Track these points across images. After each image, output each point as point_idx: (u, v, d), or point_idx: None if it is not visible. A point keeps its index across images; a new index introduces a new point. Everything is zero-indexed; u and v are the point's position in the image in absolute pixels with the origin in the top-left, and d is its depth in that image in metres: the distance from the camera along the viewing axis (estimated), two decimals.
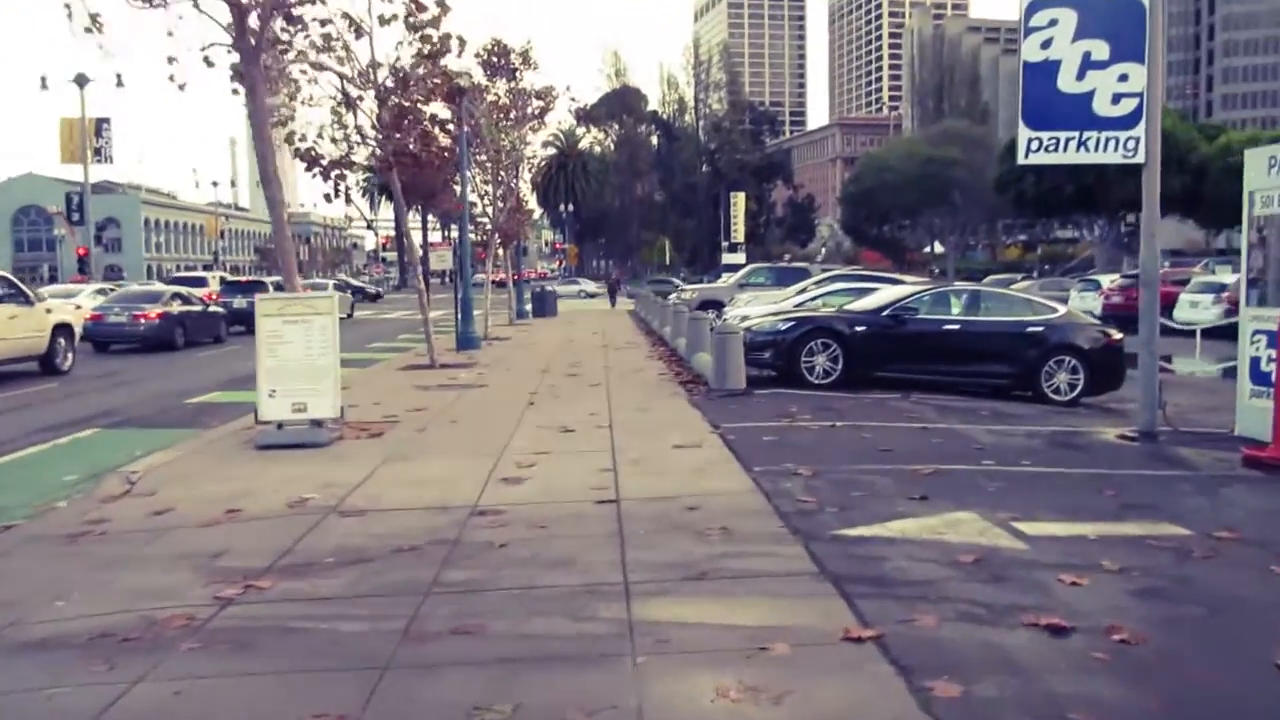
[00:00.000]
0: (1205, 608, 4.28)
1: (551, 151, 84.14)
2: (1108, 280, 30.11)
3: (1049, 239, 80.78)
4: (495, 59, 25.52)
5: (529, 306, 35.30)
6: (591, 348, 19.60)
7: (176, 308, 22.38)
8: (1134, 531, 5.52)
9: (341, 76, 10.32)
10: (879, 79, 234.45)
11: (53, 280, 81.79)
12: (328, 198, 11.80)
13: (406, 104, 11.21)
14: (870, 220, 68.49)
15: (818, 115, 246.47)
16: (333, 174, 11.04)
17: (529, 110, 26.22)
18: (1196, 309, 22.28)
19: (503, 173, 25.53)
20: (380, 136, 11.56)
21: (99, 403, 13.23)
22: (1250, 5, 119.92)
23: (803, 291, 19.12)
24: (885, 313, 12.38)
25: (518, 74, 25.87)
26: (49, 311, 16.55)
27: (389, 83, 11.19)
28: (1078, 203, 46.54)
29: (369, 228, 20.21)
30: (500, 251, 31.65)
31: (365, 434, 9.33)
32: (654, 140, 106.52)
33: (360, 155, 11.70)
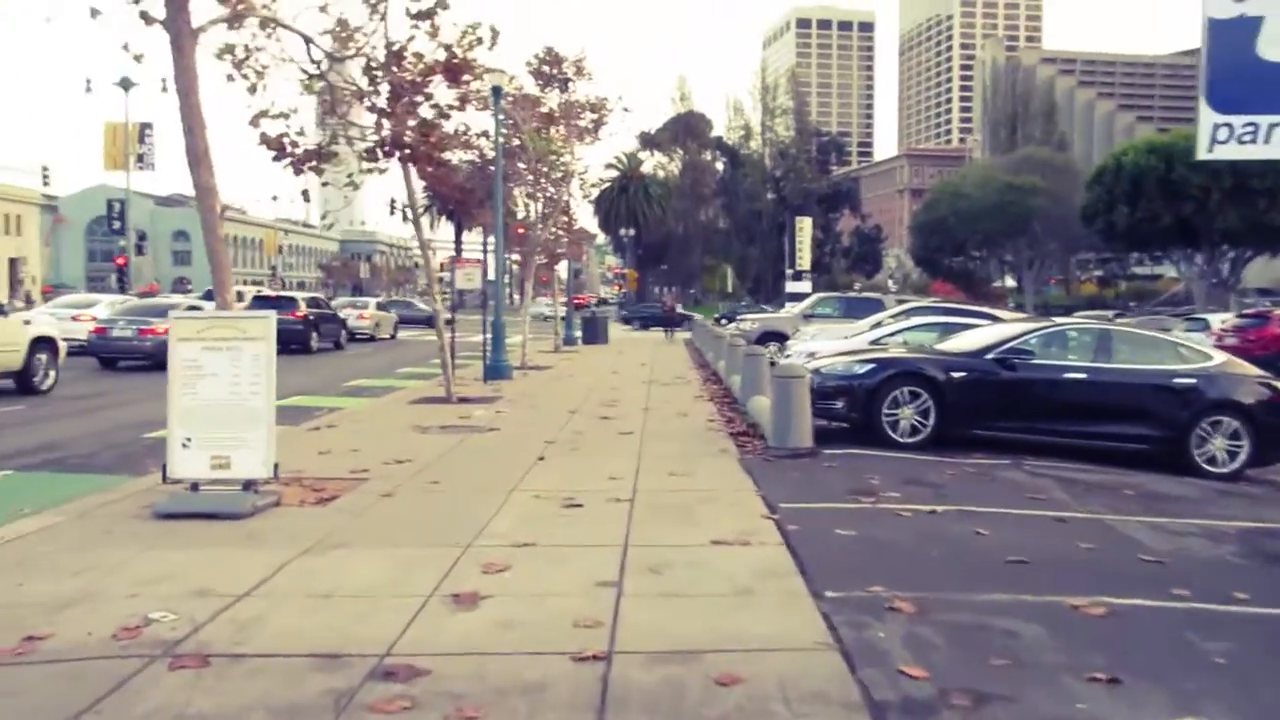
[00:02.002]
0: None
1: (613, 174, 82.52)
2: (1218, 320, 26.98)
3: (1126, 274, 76.55)
4: (547, 68, 23.62)
5: (579, 333, 33.24)
6: (635, 383, 17.32)
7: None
8: None
9: (306, 40, 8.22)
10: (948, 110, 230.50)
11: (121, 290, 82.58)
12: (305, 196, 9.71)
13: (397, 82, 9.11)
14: (942, 250, 65.27)
15: (885, 146, 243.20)
16: (306, 167, 8.94)
17: (581, 123, 24.22)
18: None
19: (549, 186, 23.48)
20: (376, 118, 9.47)
21: (49, 433, 11.30)
22: None
23: (877, 326, 16.64)
24: (990, 355, 9.90)
25: (570, 84, 23.96)
26: (26, 324, 14.81)
27: (376, 52, 9.11)
28: (1175, 235, 43.05)
29: (424, 247, 18.93)
30: (543, 272, 29.66)
31: (313, 498, 7.15)
32: (718, 166, 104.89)
33: (352, 143, 9.59)
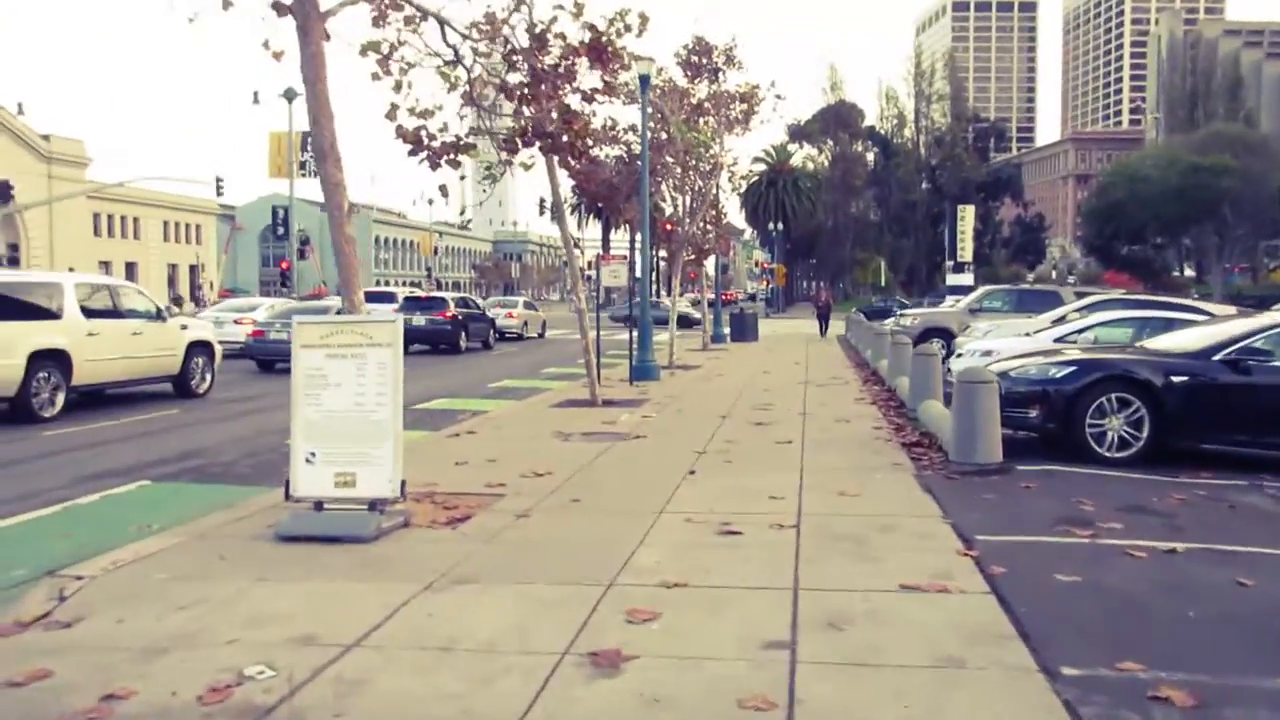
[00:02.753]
0: None
1: (761, 168, 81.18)
2: None
3: None
4: (696, 58, 22.81)
5: (727, 330, 32.32)
6: (789, 384, 16.28)
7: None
8: None
9: (442, 23, 7.62)
10: (1118, 91, 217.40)
11: (285, 293, 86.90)
12: (443, 191, 9.17)
13: (539, 66, 8.42)
14: (1117, 238, 60.75)
15: (1047, 131, 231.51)
16: (444, 160, 8.37)
17: (731, 114, 23.29)
18: None
19: (698, 179, 22.66)
20: (515, 105, 8.83)
21: (195, 439, 11.22)
22: None
23: (1060, 321, 15.04)
24: (1217, 356, 8.43)
25: (721, 74, 23.08)
26: (184, 328, 15.02)
27: (518, 37, 8.45)
28: None
29: (568, 244, 18.59)
30: (691, 268, 28.88)
31: (443, 518, 6.53)
32: (869, 157, 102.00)
33: (493, 136, 8.98)
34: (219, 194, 49.20)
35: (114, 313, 13.64)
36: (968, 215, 39.82)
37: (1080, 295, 20.82)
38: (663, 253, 25.53)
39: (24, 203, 52.03)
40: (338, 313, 19.71)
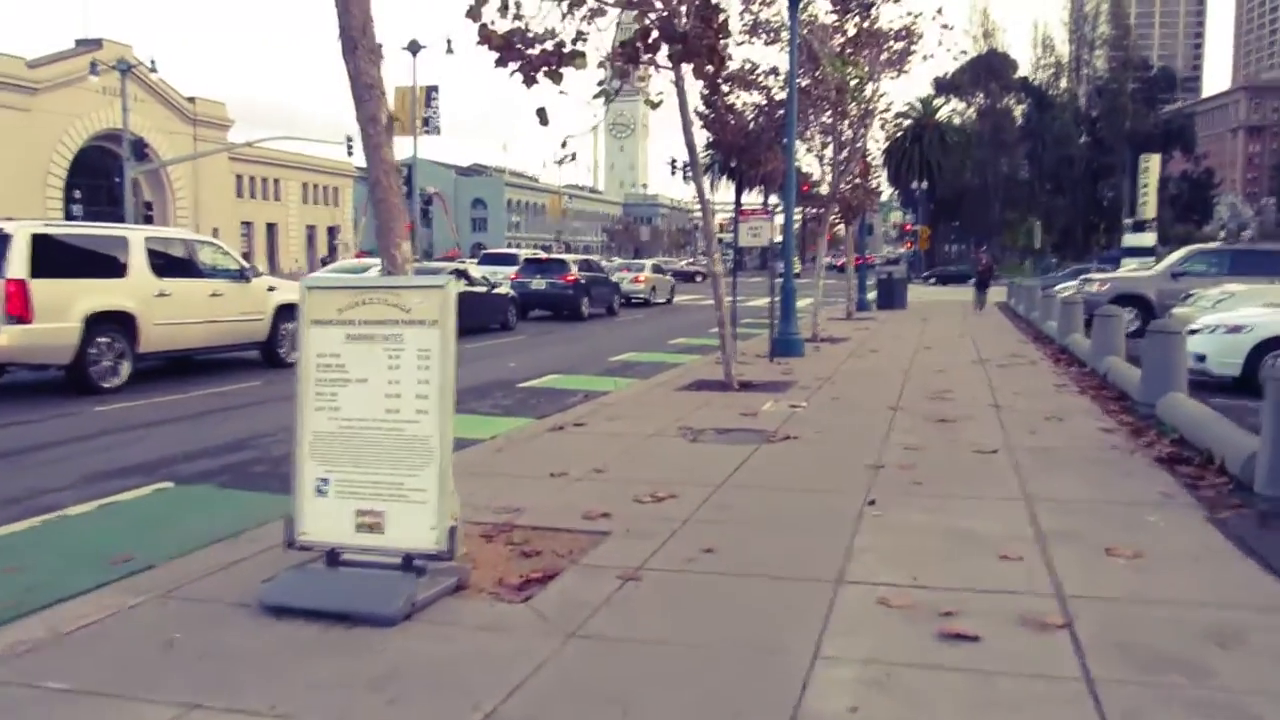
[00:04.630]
0: None
1: (906, 123, 76.55)
2: None
3: None
4: None
5: (872, 296, 29.50)
6: (962, 363, 13.66)
7: (455, 289, 19.11)
8: None
9: None
10: None
11: (428, 256, 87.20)
12: (541, 118, 7.01)
13: None
14: None
15: (1215, 81, 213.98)
16: (542, 73, 6.24)
17: (885, 55, 20.36)
18: None
19: (847, 128, 19.96)
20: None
21: (257, 423, 9.55)
22: None
23: None
24: None
25: (874, 8, 20.13)
26: (271, 290, 13.50)
27: None
28: None
29: (701, 195, 16.70)
30: (841, 229, 26.18)
31: (517, 575, 4.47)
32: (1020, 110, 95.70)
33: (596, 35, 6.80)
34: (349, 153, 48.56)
35: (190, 271, 12.17)
36: (1152, 166, 35.12)
37: None
38: (809, 211, 22.88)
39: (167, 160, 53.03)
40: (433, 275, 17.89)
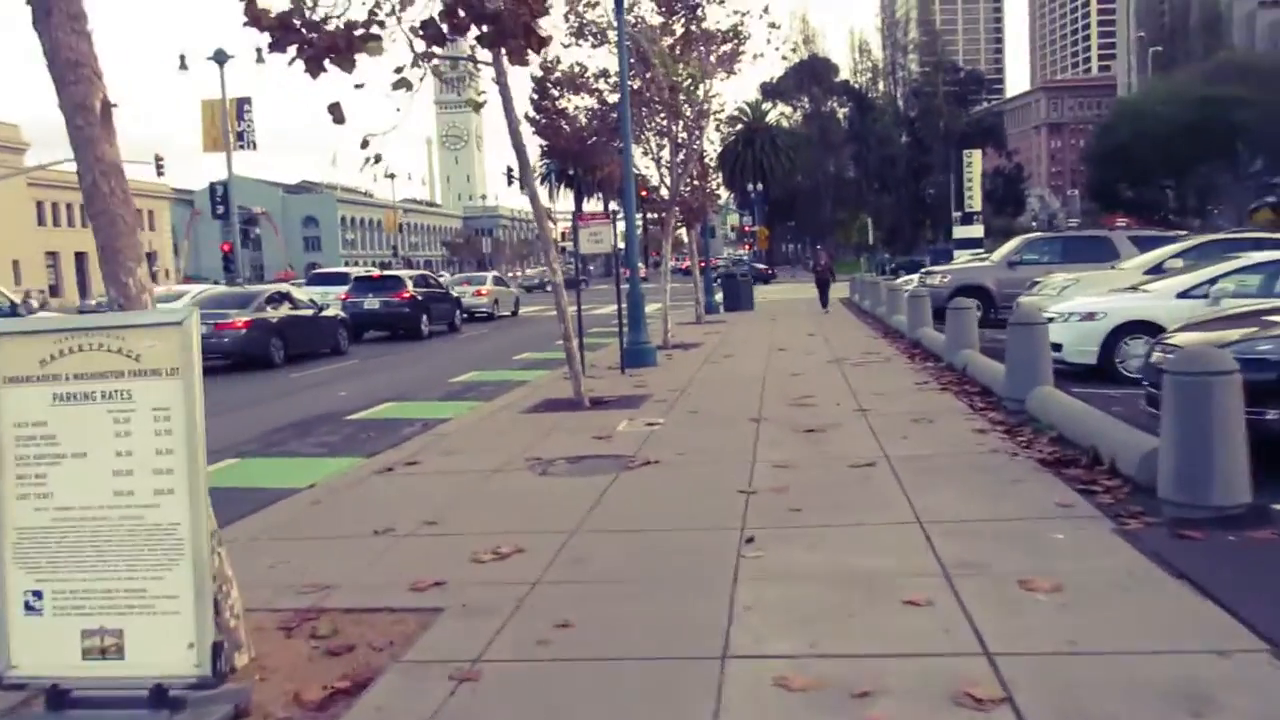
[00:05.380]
0: None
1: (738, 126, 77.92)
2: None
3: None
4: None
5: (719, 298, 29.26)
6: (817, 364, 13.24)
7: (275, 313, 17.57)
8: None
9: None
10: (1085, 37, 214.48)
11: (260, 279, 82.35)
12: (335, 115, 5.89)
13: None
14: (1123, 181, 57.60)
15: (1016, 82, 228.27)
16: (330, 60, 5.19)
17: (714, 55, 19.92)
18: None
19: (683, 129, 19.44)
20: None
21: None
22: None
23: (1157, 271, 12.07)
24: None
25: (700, 10, 19.65)
26: None
27: None
28: None
29: (534, 200, 15.81)
30: (683, 234, 25.79)
31: (320, 687, 3.46)
32: (843, 113, 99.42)
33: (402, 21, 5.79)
34: (159, 174, 45.29)
35: None
36: (975, 160, 36.38)
37: (1137, 240, 17.88)
38: (650, 216, 22.28)
39: None
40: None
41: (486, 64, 9.63)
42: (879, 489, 5.95)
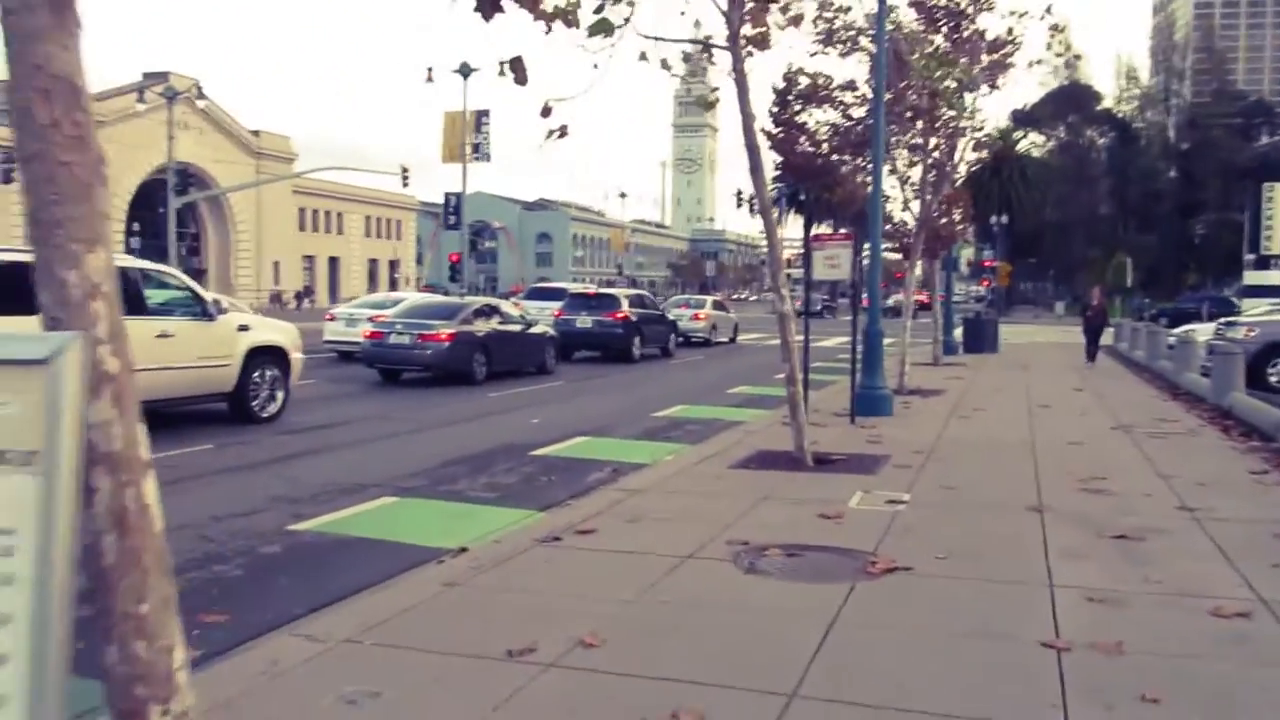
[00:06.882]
0: None
1: (984, 154, 73.06)
2: None
3: None
4: None
5: (958, 336, 26.44)
6: (1098, 430, 10.73)
7: (482, 327, 16.72)
8: None
9: None
10: None
11: (493, 290, 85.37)
12: (517, 70, 4.42)
13: None
14: None
15: None
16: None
17: (979, 64, 17.46)
18: None
19: (943, 142, 17.18)
20: None
21: (191, 502, 7.11)
22: None
23: None
24: None
25: (966, 15, 17.26)
26: (243, 330, 11.17)
27: None
28: None
29: (765, 213, 14.36)
30: (933, 263, 23.31)
31: None
32: (1103, 143, 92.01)
33: None
34: (405, 184, 47.06)
35: (133, 306, 9.87)
36: (1278, 195, 31.10)
37: None
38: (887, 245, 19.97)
39: (210, 191, 52.06)
40: (479, 311, 15.26)
41: (722, 48, 8.12)
42: (1263, 657, 3.77)
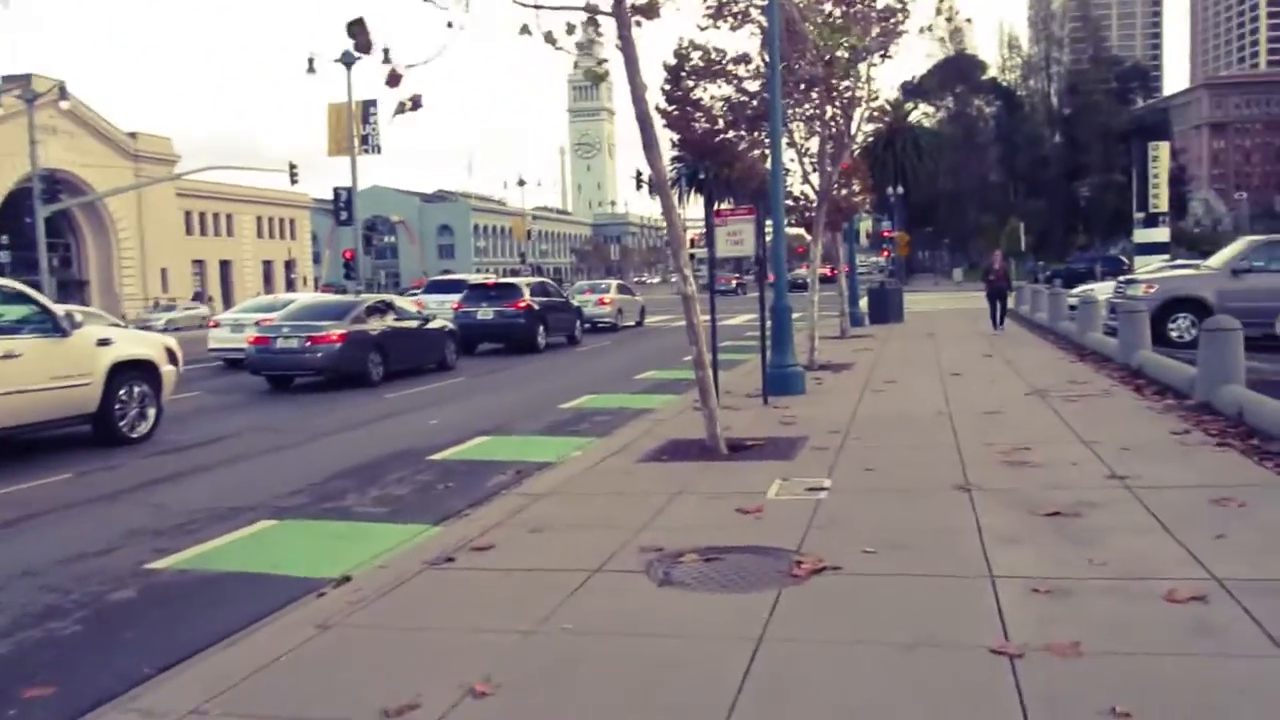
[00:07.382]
0: None
1: (877, 128, 74.04)
2: None
3: None
4: None
5: (863, 308, 26.50)
6: (1015, 397, 10.55)
7: (375, 325, 15.85)
8: None
9: None
10: (1254, 30, 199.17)
11: (395, 287, 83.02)
12: (357, 34, 3.77)
13: None
14: None
15: (1174, 79, 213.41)
16: None
17: (869, 35, 17.19)
18: None
19: (840, 111, 16.88)
20: None
21: (33, 546, 6.27)
22: None
23: None
24: None
25: None
26: (103, 344, 10.17)
27: None
28: None
29: (663, 190, 14.12)
30: (836, 235, 23.20)
31: None
32: (990, 113, 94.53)
33: None
34: (294, 181, 45.23)
35: None
36: (1163, 154, 31.60)
37: None
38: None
39: (77, 199, 49.26)
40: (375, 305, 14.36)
41: (607, 14, 7.54)
42: (1226, 650, 3.40)
